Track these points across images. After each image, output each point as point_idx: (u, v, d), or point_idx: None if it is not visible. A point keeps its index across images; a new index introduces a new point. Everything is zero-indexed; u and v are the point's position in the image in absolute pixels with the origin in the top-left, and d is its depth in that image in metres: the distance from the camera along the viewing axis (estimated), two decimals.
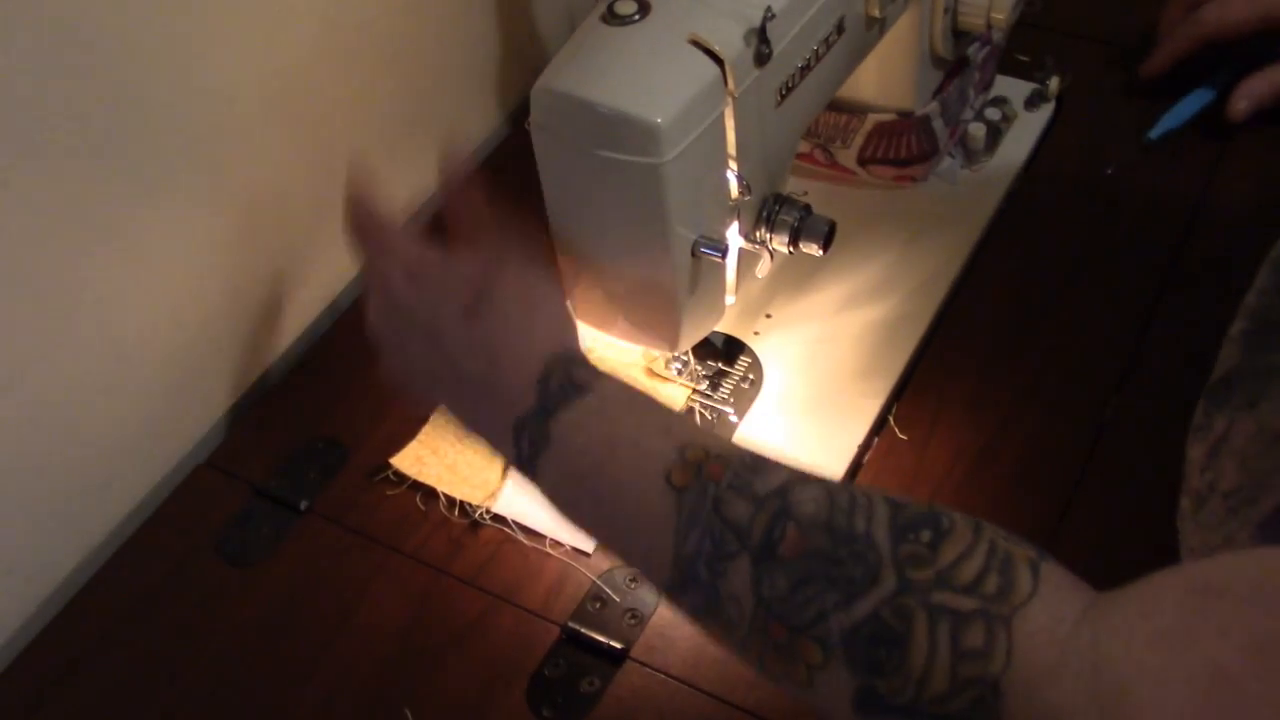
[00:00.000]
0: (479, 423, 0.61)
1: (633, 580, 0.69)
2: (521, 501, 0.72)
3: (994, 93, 0.91)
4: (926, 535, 0.47)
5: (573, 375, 0.58)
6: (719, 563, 0.50)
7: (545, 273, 0.63)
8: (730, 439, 0.74)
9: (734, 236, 0.66)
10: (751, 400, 0.76)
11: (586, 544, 0.70)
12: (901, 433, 0.73)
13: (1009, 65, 0.92)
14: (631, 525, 0.54)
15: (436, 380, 0.61)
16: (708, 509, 0.51)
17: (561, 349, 0.59)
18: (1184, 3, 0.90)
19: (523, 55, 0.99)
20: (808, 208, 0.67)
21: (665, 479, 0.52)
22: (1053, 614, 0.45)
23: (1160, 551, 0.67)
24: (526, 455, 0.57)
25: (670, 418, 0.57)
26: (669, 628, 0.67)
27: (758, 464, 0.52)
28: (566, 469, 0.56)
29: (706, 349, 0.78)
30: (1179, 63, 0.89)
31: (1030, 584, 0.46)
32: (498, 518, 0.72)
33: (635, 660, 0.66)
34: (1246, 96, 0.87)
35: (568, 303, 0.64)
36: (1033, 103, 0.91)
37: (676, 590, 0.52)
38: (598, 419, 0.56)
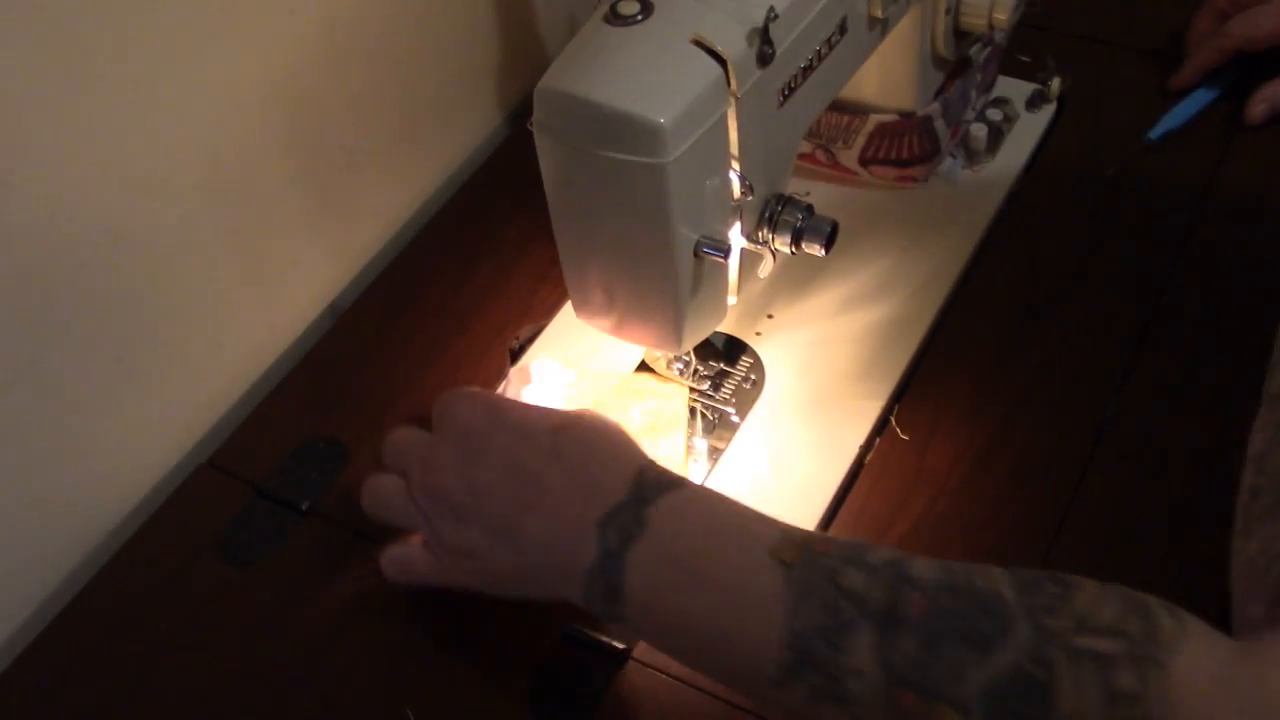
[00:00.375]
0: (554, 536, 0.58)
1: None
2: None
3: (996, 93, 0.91)
4: (1052, 587, 0.46)
5: (667, 474, 0.58)
6: (838, 635, 0.48)
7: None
8: (731, 440, 0.74)
9: (736, 237, 0.65)
10: (753, 401, 0.76)
11: None
12: (903, 433, 0.73)
13: (1011, 66, 0.92)
14: (737, 606, 0.52)
15: (509, 503, 0.60)
16: (821, 581, 0.50)
17: (649, 459, 0.60)
18: (1213, 14, 0.90)
19: (523, 55, 0.99)
20: (810, 208, 0.67)
21: (772, 556, 0.51)
22: (1208, 653, 0.44)
23: (1161, 551, 0.67)
24: (614, 547, 0.56)
25: (762, 513, 0.57)
26: None
27: (864, 543, 0.51)
28: (665, 553, 0.55)
29: (708, 349, 0.78)
30: (1208, 74, 0.90)
31: (1174, 625, 0.45)
32: None
33: (637, 660, 0.66)
34: (1266, 100, 0.87)
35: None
36: (1034, 103, 0.91)
37: (787, 676, 0.50)
38: (696, 506, 0.56)
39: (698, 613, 0.54)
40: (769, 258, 0.68)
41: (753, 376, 0.77)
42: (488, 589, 0.63)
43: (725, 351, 0.79)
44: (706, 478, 0.73)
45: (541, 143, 0.62)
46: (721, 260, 0.63)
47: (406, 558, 0.65)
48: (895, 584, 0.49)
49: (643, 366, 0.78)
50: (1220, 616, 0.62)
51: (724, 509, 0.57)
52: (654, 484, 0.57)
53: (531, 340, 0.82)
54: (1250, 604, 0.54)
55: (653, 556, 0.55)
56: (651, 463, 0.60)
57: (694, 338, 0.69)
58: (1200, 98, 0.90)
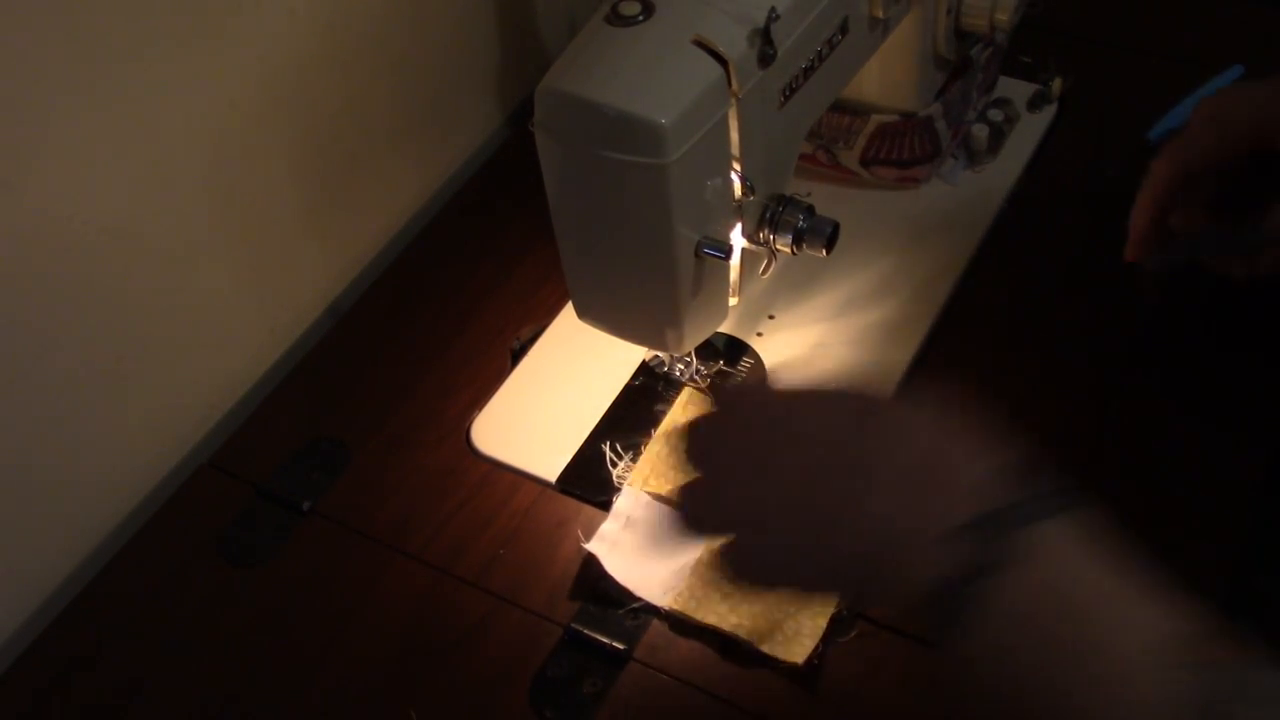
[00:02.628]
0: (889, 540, 0.49)
1: None
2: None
3: (996, 94, 0.91)
4: None
5: (1045, 485, 0.49)
6: None
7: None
8: None
9: (737, 237, 0.65)
10: None
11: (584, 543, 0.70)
12: None
13: (1012, 66, 0.92)
14: (1122, 689, 0.45)
15: (834, 495, 0.50)
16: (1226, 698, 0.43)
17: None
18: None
19: (524, 56, 0.99)
20: (811, 209, 0.67)
21: (1170, 646, 0.45)
22: None
23: (1164, 552, 0.67)
24: (981, 562, 0.46)
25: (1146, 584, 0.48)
26: (671, 628, 0.67)
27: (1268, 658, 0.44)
28: (1040, 596, 0.46)
29: (709, 350, 0.78)
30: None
31: None
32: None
33: (638, 661, 0.66)
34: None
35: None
36: (1035, 104, 0.91)
37: None
38: (1087, 553, 0.48)
39: (1062, 683, 0.46)
40: (770, 258, 0.68)
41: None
42: (815, 588, 0.56)
43: (726, 352, 0.79)
44: None
45: (542, 143, 0.62)
46: (722, 261, 0.63)
47: (740, 558, 0.54)
48: None
49: (644, 369, 0.78)
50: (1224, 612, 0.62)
51: (1112, 569, 0.48)
52: (1035, 500, 0.49)
53: (532, 340, 0.82)
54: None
55: (1028, 594, 0.47)
56: (1013, 460, 0.50)
57: (695, 338, 0.69)
58: (1200, 97, 0.90)
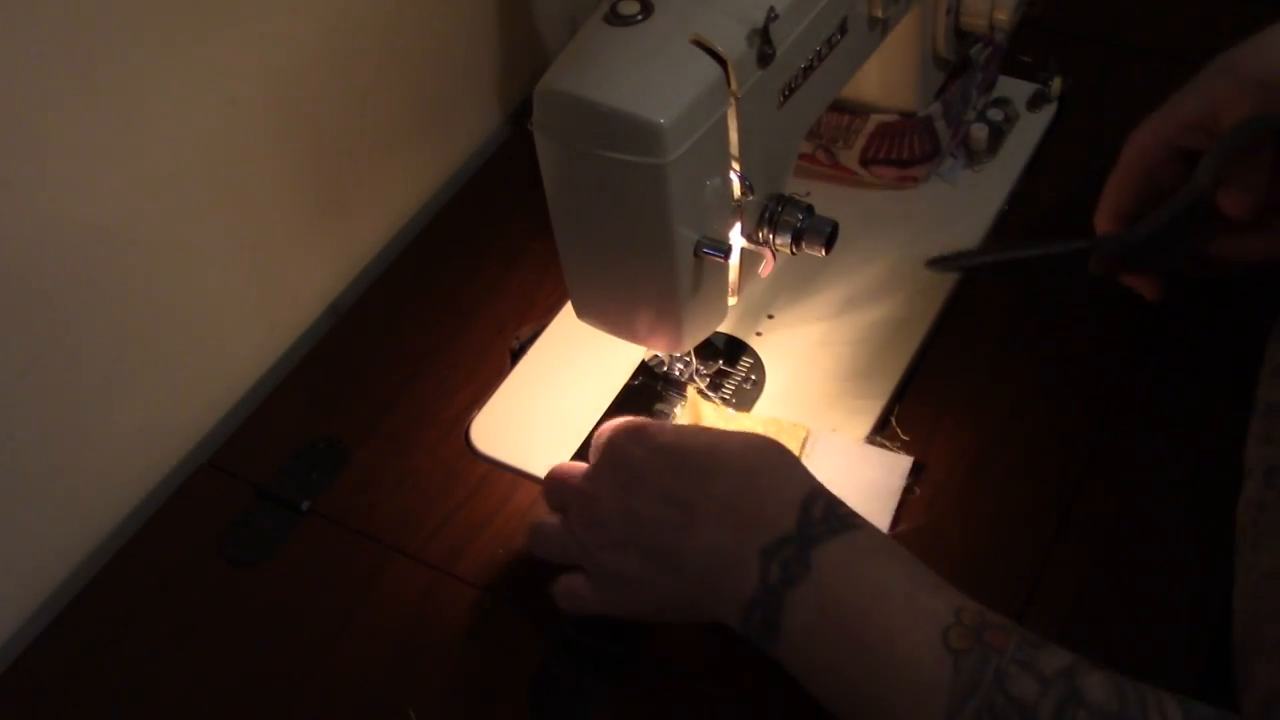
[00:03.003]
0: (710, 567, 0.57)
1: None
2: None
3: (996, 93, 0.91)
4: None
5: (837, 509, 0.56)
6: None
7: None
8: None
9: (736, 237, 0.65)
10: (753, 401, 0.76)
11: None
12: (904, 434, 0.73)
13: (1011, 66, 0.92)
14: (898, 682, 0.51)
15: (664, 533, 0.59)
16: (989, 680, 0.49)
17: (818, 483, 0.58)
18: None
19: (523, 56, 0.99)
20: (810, 208, 0.67)
21: (942, 639, 0.50)
22: None
23: (1164, 552, 0.67)
24: (777, 581, 0.54)
25: (938, 577, 0.55)
26: (669, 628, 0.67)
27: (1039, 641, 0.50)
28: (827, 605, 0.54)
29: (708, 349, 0.78)
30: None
31: None
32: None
33: (637, 660, 0.66)
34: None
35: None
36: (1035, 103, 0.91)
37: None
38: (869, 560, 0.54)
39: (854, 676, 0.53)
40: (769, 258, 0.68)
41: (753, 377, 0.77)
42: (651, 618, 0.63)
43: (725, 351, 0.79)
44: None
45: (541, 143, 0.62)
46: (721, 260, 0.63)
47: (574, 589, 0.64)
48: (1065, 702, 0.47)
49: (643, 368, 0.78)
50: (1221, 627, 0.62)
51: (896, 569, 0.54)
52: (822, 521, 0.55)
53: (532, 340, 0.82)
54: (1267, 624, 0.54)
55: (814, 604, 0.54)
56: (817, 488, 0.58)
57: (694, 338, 0.69)
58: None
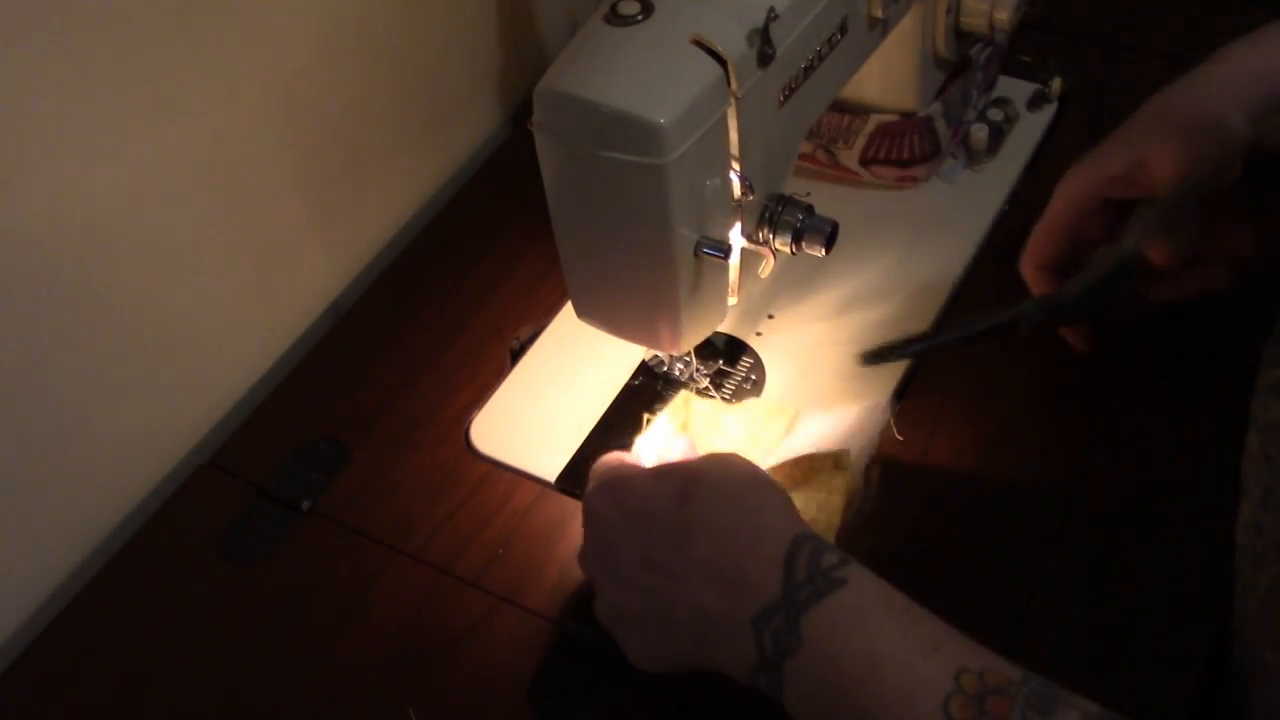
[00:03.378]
0: (709, 631, 0.55)
1: None
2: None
3: (996, 93, 0.91)
4: None
5: (821, 561, 0.53)
6: None
7: (752, 464, 0.60)
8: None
9: (736, 237, 0.65)
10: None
11: None
12: (901, 434, 0.73)
13: (1011, 66, 0.92)
14: None
15: (654, 596, 0.57)
16: None
17: (800, 528, 0.55)
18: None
19: (524, 56, 0.99)
20: (810, 208, 0.67)
21: (943, 709, 0.49)
22: None
23: (1165, 551, 0.67)
24: (771, 655, 0.53)
25: (935, 630, 0.52)
26: None
27: (1044, 702, 0.48)
28: (821, 677, 0.52)
29: (708, 349, 0.78)
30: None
31: None
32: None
33: None
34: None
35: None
36: (1035, 103, 0.91)
37: None
38: (859, 625, 0.52)
39: None
40: (769, 258, 0.68)
41: (753, 377, 0.77)
42: (670, 668, 0.61)
43: (725, 352, 0.79)
44: None
45: (541, 143, 0.62)
46: (721, 260, 0.63)
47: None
48: None
49: (643, 368, 0.78)
50: (1223, 628, 0.62)
51: (890, 630, 0.52)
52: (807, 582, 0.53)
53: (532, 340, 0.82)
54: (1268, 650, 0.53)
55: (811, 676, 0.52)
56: (797, 537, 0.55)
57: (694, 338, 0.69)
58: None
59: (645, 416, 0.74)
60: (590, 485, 0.65)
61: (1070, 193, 0.72)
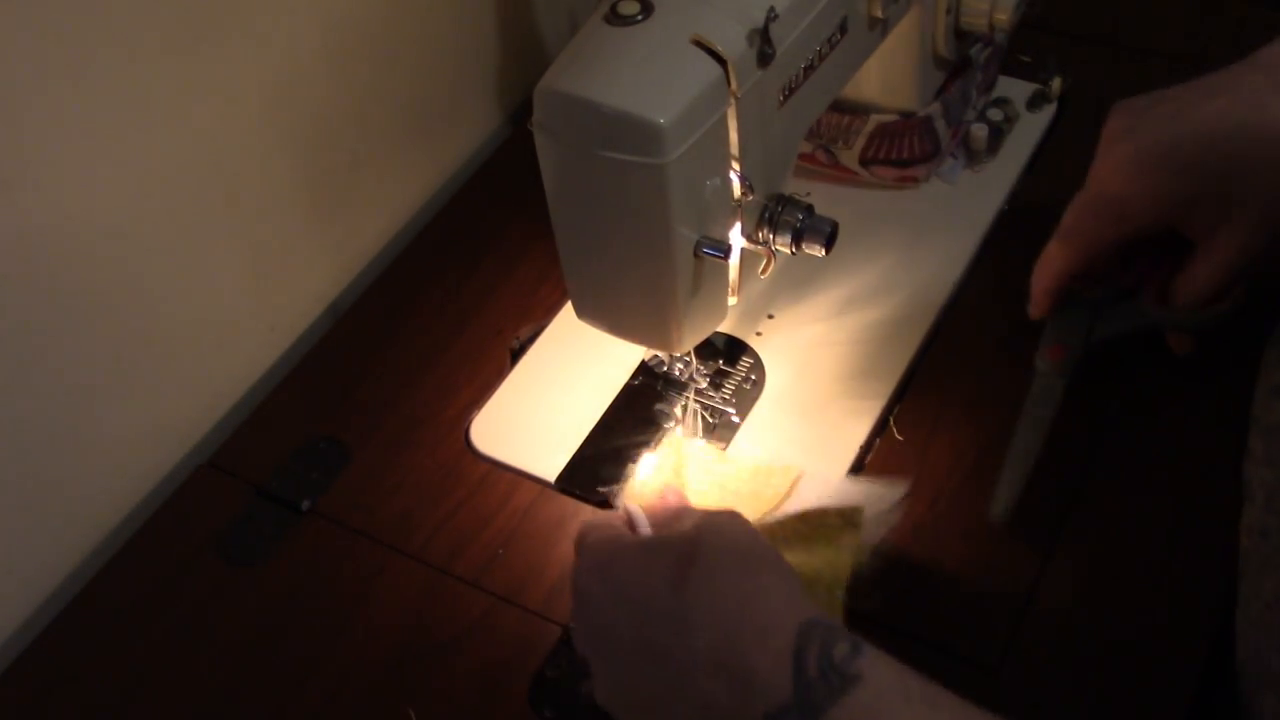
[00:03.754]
0: (715, 714, 0.51)
1: None
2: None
3: (996, 93, 0.91)
4: None
5: (833, 655, 0.50)
6: None
7: (752, 529, 0.56)
8: (732, 440, 0.73)
9: (736, 237, 0.65)
10: (753, 401, 0.76)
11: None
12: (901, 434, 0.73)
13: (1011, 66, 0.92)
14: None
15: (656, 685, 0.53)
16: None
17: (807, 614, 0.52)
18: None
19: (524, 56, 0.99)
20: (810, 208, 0.67)
21: None
22: None
23: (1166, 551, 0.67)
24: None
25: (955, 714, 0.50)
26: None
27: None
28: None
29: (708, 349, 0.78)
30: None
31: None
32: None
33: None
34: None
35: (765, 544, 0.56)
36: (1035, 103, 0.91)
37: None
38: None
39: None
40: (769, 258, 0.68)
41: (753, 377, 0.77)
42: None
43: (725, 352, 0.79)
44: None
45: (541, 143, 0.62)
46: (721, 260, 0.63)
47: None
48: None
49: (643, 368, 0.78)
50: (1225, 622, 0.62)
51: None
52: (820, 679, 0.49)
53: (532, 340, 0.82)
54: (1275, 655, 0.53)
55: None
56: (805, 628, 0.51)
57: (694, 338, 0.69)
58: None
59: (629, 466, 0.73)
60: (576, 560, 0.61)
61: (1086, 241, 0.71)
